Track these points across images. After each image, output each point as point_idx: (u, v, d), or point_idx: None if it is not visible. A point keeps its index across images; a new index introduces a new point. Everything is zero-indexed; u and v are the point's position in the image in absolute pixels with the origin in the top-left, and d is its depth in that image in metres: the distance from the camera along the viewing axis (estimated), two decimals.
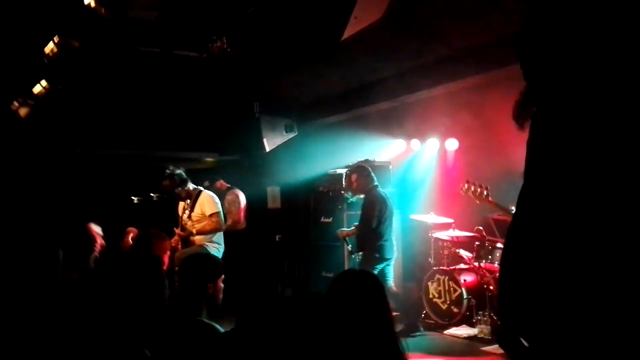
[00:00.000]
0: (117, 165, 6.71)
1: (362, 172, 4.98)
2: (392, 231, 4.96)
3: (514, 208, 3.70)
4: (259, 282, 2.17)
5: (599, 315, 0.99)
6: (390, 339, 1.68)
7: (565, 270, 1.02)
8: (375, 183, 4.96)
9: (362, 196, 5.03)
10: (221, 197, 5.82)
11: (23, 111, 4.40)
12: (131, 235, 4.47)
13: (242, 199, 6.20)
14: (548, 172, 1.08)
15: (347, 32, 3.10)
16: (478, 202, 4.58)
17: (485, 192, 4.54)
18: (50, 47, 3.15)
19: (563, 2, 1.09)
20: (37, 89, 4.07)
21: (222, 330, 2.20)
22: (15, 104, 4.45)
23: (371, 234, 4.81)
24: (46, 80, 4.01)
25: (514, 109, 1.19)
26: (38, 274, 2.12)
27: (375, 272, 4.76)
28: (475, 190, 4.59)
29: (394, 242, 4.96)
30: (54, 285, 2.14)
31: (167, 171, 4.71)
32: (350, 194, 5.20)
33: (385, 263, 4.86)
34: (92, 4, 2.54)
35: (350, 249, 5.22)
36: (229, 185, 6.28)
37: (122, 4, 2.66)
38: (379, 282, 1.85)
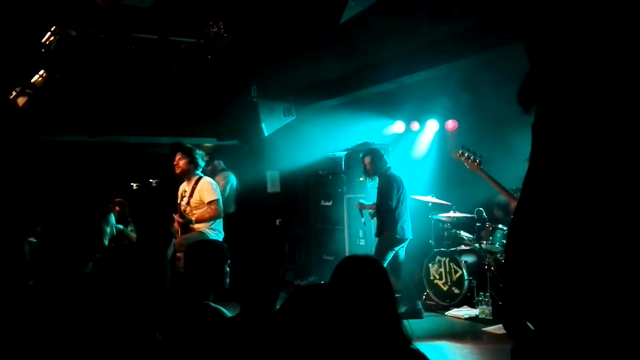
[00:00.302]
0: (116, 153, 6.69)
1: (375, 154, 4.98)
2: (409, 212, 5.00)
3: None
4: (262, 267, 2.17)
5: (605, 300, 0.99)
6: (394, 325, 1.69)
7: (571, 255, 1.02)
8: (388, 165, 5.00)
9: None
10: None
11: (21, 100, 4.37)
12: (117, 203, 4.43)
13: (229, 182, 6.18)
14: (554, 156, 1.07)
15: (345, 16, 3.06)
16: (469, 168, 4.57)
17: (478, 160, 4.53)
18: (47, 36, 3.11)
19: None
20: (35, 78, 4.03)
21: (229, 314, 2.23)
22: (14, 93, 4.41)
23: (391, 215, 4.79)
24: (44, 70, 3.97)
25: (518, 92, 1.18)
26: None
27: (392, 253, 4.80)
28: (468, 157, 4.56)
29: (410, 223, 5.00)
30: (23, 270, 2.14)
31: (190, 146, 4.60)
32: (366, 177, 5.12)
33: (402, 244, 4.88)
34: None
35: (364, 222, 5.37)
36: (223, 168, 6.25)
37: None
38: (382, 267, 1.86)
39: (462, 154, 4.62)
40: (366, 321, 1.64)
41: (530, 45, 1.14)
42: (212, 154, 6.43)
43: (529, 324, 1.08)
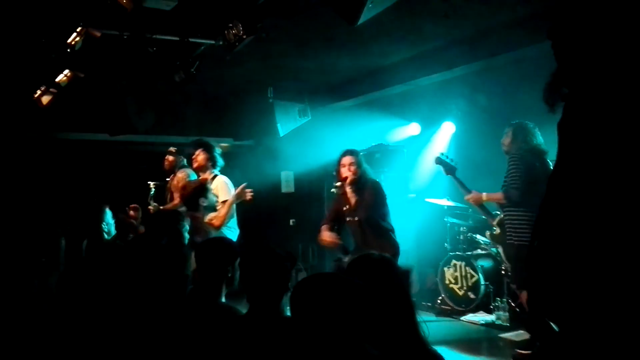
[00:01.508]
0: (134, 151, 6.79)
1: (360, 155, 3.97)
2: None
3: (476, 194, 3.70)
4: (267, 263, 2.14)
5: (631, 302, 0.98)
6: (410, 326, 1.68)
7: (598, 257, 1.02)
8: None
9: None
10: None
11: (45, 99, 4.46)
12: (133, 210, 4.42)
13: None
14: (581, 154, 1.06)
15: (363, 17, 3.05)
16: (445, 174, 4.59)
17: (454, 168, 4.52)
18: (73, 37, 3.19)
19: None
20: (60, 77, 4.12)
21: (242, 312, 2.23)
22: (38, 92, 4.50)
23: (391, 236, 3.89)
24: (69, 69, 4.05)
25: (544, 90, 1.18)
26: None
27: None
28: (446, 165, 4.57)
29: None
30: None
31: (204, 142, 4.58)
32: (337, 184, 3.91)
33: None
34: None
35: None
36: (184, 165, 5.37)
37: None
38: (397, 267, 1.83)
39: (442, 161, 4.61)
40: (381, 321, 1.63)
41: (557, 43, 1.13)
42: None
43: (552, 324, 1.07)
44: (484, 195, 4.20)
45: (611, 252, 0.99)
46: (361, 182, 3.85)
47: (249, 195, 4.20)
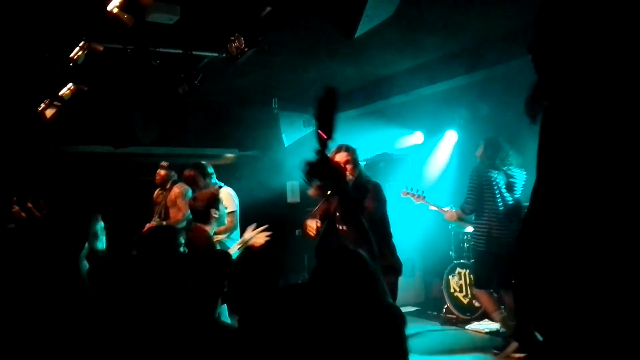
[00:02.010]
0: (137, 163, 6.85)
1: (355, 151, 3.40)
2: None
3: (449, 207, 4.43)
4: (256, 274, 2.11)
5: (615, 311, 0.99)
6: (376, 304, 1.68)
7: (580, 267, 1.03)
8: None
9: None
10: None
11: (49, 112, 4.55)
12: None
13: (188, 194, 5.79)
14: (560, 166, 1.08)
15: (360, 30, 3.09)
16: (416, 202, 5.10)
17: (422, 195, 5.05)
18: (75, 51, 3.27)
19: None
20: (63, 91, 4.21)
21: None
22: (42, 105, 4.59)
23: (390, 240, 3.33)
24: (72, 83, 4.15)
25: (526, 102, 1.19)
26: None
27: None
28: (413, 194, 5.09)
29: None
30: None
31: (193, 163, 4.69)
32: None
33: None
34: (115, 11, 2.62)
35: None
36: (176, 180, 5.36)
37: (143, 10, 2.72)
38: (366, 261, 1.76)
39: (408, 192, 5.08)
40: (348, 309, 1.64)
41: (536, 56, 1.15)
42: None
43: (537, 334, 1.08)
44: (454, 212, 4.58)
45: (594, 260, 1.00)
46: (361, 185, 3.22)
47: (261, 239, 3.70)
